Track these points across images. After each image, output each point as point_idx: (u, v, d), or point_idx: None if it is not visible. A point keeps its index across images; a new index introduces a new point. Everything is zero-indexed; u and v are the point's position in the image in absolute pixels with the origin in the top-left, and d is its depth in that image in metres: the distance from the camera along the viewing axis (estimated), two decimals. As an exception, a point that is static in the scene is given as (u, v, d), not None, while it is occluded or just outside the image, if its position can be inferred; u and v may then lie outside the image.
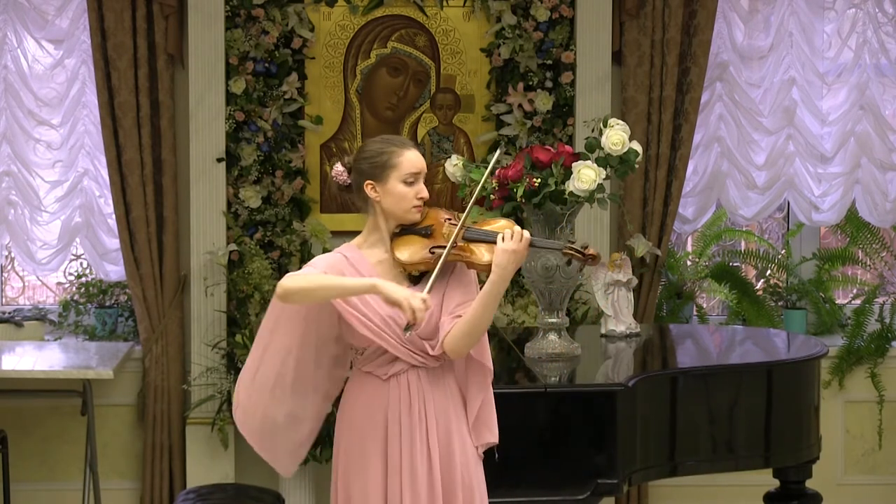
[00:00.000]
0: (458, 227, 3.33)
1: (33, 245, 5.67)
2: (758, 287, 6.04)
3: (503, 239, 3.26)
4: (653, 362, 4.89)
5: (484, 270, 3.33)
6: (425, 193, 3.37)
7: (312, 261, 3.37)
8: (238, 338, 5.31)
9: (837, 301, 6.06)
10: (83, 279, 5.79)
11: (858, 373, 5.86)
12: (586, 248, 3.37)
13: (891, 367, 5.86)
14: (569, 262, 3.79)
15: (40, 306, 5.89)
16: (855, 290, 6.11)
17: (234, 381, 5.32)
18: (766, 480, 4.80)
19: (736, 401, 4.31)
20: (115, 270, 5.69)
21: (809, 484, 4.72)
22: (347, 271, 3.32)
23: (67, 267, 5.84)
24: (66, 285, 5.89)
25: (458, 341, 3.29)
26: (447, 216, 3.41)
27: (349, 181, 3.43)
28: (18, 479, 5.52)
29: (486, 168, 3.66)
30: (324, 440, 5.28)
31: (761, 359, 4.75)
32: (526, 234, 3.27)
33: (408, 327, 3.22)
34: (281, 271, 5.52)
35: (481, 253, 3.32)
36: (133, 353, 5.57)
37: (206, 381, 5.45)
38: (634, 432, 4.03)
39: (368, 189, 3.35)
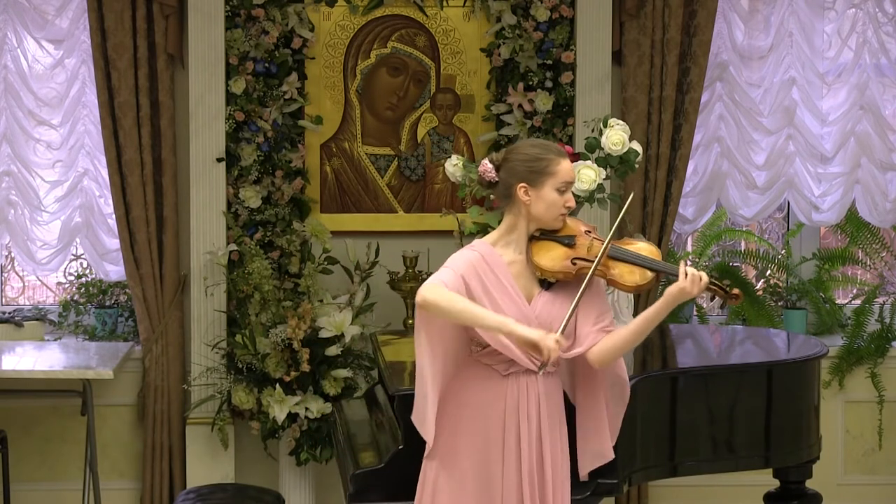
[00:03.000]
0: (605, 244, 3.40)
1: (33, 245, 5.67)
2: (758, 287, 6.04)
3: (689, 280, 3.37)
4: (653, 362, 4.88)
5: (627, 290, 3.48)
6: (573, 203, 3.45)
7: (450, 261, 3.42)
8: (238, 338, 5.31)
9: (837, 301, 6.06)
10: (83, 279, 5.79)
11: (858, 373, 5.86)
12: (731, 286, 3.52)
13: (891, 367, 5.87)
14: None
15: (40, 306, 5.89)
16: (855, 290, 6.11)
17: (234, 381, 5.33)
18: (766, 480, 4.79)
19: (736, 401, 4.32)
20: (115, 270, 5.69)
21: (809, 484, 4.72)
22: (481, 269, 3.38)
23: (67, 267, 5.84)
24: (66, 285, 5.89)
25: (607, 354, 3.44)
26: (586, 228, 3.48)
27: (497, 178, 3.46)
28: (18, 479, 5.52)
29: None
30: (323, 440, 5.28)
31: (761, 359, 4.75)
32: (705, 278, 3.40)
33: (542, 366, 3.33)
34: (281, 271, 5.52)
35: (623, 272, 3.43)
36: (133, 353, 5.57)
37: (206, 381, 5.44)
38: (634, 432, 4.02)
39: (521, 192, 3.41)
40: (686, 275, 3.38)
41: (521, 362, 3.41)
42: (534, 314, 3.41)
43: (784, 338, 5.11)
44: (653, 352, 4.97)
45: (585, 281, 3.38)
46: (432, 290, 3.30)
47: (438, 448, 3.48)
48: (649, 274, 3.44)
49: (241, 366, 5.31)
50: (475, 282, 3.37)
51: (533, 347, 3.30)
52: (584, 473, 3.67)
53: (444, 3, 5.67)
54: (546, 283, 3.47)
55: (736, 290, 3.51)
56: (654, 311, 3.41)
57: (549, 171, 3.40)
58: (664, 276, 3.56)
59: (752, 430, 4.35)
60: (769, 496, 4.82)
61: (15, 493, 5.51)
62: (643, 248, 3.49)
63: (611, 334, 3.45)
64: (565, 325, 3.36)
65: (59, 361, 5.28)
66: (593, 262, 3.40)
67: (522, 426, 3.42)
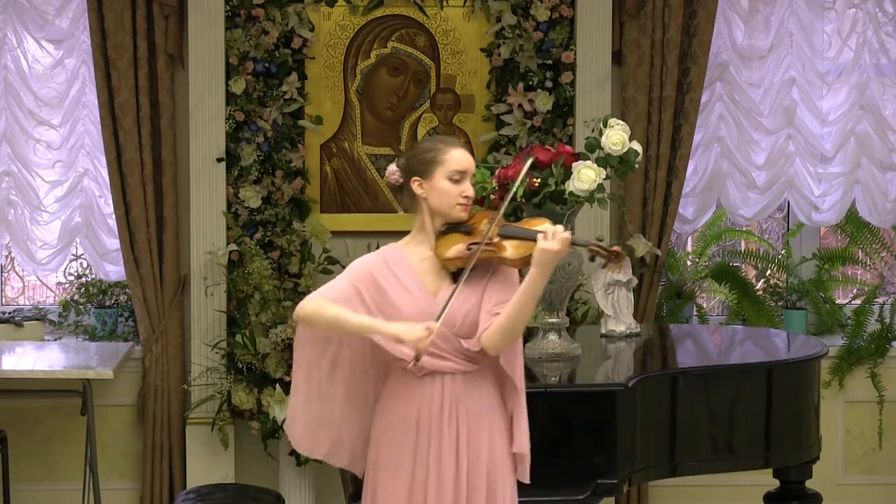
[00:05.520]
0: (492, 224, 3.35)
1: (33, 245, 5.67)
2: (758, 287, 6.04)
3: (544, 237, 3.26)
4: (653, 362, 4.89)
5: (517, 266, 3.36)
6: (471, 192, 3.39)
7: (351, 265, 3.42)
8: (238, 338, 5.31)
9: (837, 301, 6.06)
10: (83, 279, 5.79)
11: (858, 373, 5.86)
12: (612, 246, 3.42)
13: (891, 367, 5.86)
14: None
15: (40, 306, 5.89)
16: (855, 290, 6.11)
17: (234, 381, 5.33)
18: (766, 480, 4.79)
19: (736, 401, 4.31)
20: (115, 270, 5.69)
21: (809, 484, 4.72)
22: (379, 274, 3.36)
23: (67, 267, 5.84)
24: (66, 285, 5.89)
25: (495, 337, 3.30)
26: (492, 217, 3.42)
27: (401, 180, 3.44)
28: (18, 479, 5.52)
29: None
30: (324, 440, 5.28)
31: (761, 359, 4.75)
32: (566, 233, 3.28)
33: (414, 359, 3.26)
34: (281, 271, 5.52)
35: (515, 249, 3.34)
36: (133, 353, 5.57)
37: (206, 381, 5.44)
38: (634, 432, 4.02)
39: (415, 185, 3.38)
40: (545, 236, 3.25)
41: (429, 366, 3.33)
42: (438, 308, 3.32)
43: (784, 338, 5.11)
44: (653, 352, 4.97)
45: (471, 260, 3.30)
46: (304, 305, 3.35)
47: (372, 461, 3.44)
48: (533, 244, 3.31)
49: (241, 366, 5.31)
50: (371, 288, 3.34)
51: (399, 342, 3.24)
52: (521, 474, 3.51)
53: (444, 3, 5.67)
54: (455, 275, 3.38)
55: (615, 248, 3.39)
56: (531, 280, 3.26)
57: (437, 160, 3.35)
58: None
59: (752, 430, 4.35)
60: (769, 496, 4.82)
61: (15, 493, 5.51)
62: (537, 223, 3.37)
63: (496, 316, 3.31)
64: (443, 311, 3.27)
65: (59, 361, 5.28)
66: (486, 244, 3.33)
67: (434, 429, 3.34)
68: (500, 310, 3.32)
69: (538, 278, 3.26)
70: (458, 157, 3.37)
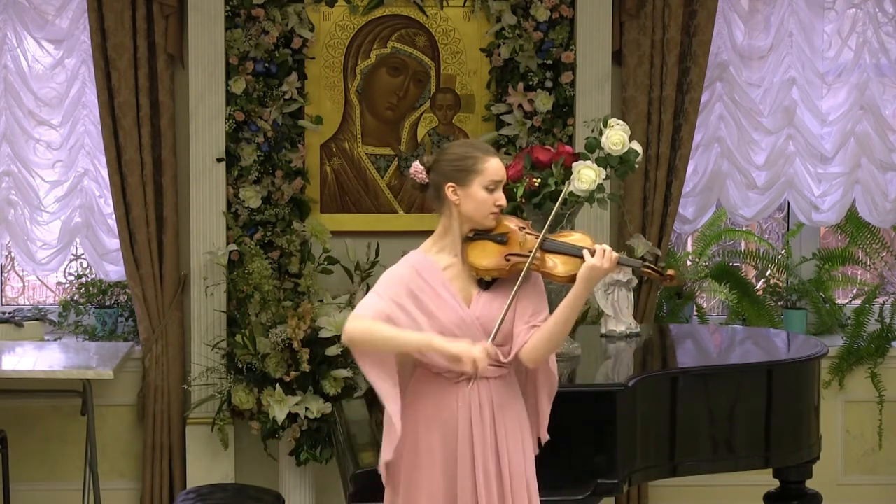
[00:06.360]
0: (539, 238, 3.35)
1: (33, 245, 5.67)
2: (758, 287, 6.04)
3: (592, 255, 3.30)
4: (653, 362, 4.89)
5: (563, 282, 3.38)
6: (503, 201, 3.40)
7: (382, 281, 3.39)
8: (238, 338, 5.30)
9: (837, 301, 6.05)
10: (83, 279, 5.79)
11: (858, 373, 5.86)
12: (664, 268, 3.45)
13: (891, 367, 5.86)
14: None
15: (40, 306, 5.89)
16: (855, 290, 6.11)
17: (234, 381, 5.33)
18: (766, 480, 4.79)
19: (736, 401, 4.32)
20: (115, 270, 5.69)
21: (809, 484, 4.72)
22: (414, 284, 3.35)
23: (67, 267, 5.84)
24: (66, 285, 5.89)
25: (537, 351, 3.35)
26: (520, 224, 3.43)
27: (427, 180, 3.43)
28: (18, 479, 5.52)
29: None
30: (324, 440, 5.28)
31: (761, 359, 4.75)
32: (614, 253, 3.32)
33: (472, 378, 3.29)
34: (281, 271, 5.52)
35: (558, 264, 3.36)
36: (133, 353, 5.57)
37: (206, 381, 5.44)
38: (634, 432, 4.03)
39: (449, 191, 3.37)
40: (592, 253, 3.30)
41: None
42: (474, 316, 3.35)
43: (784, 338, 5.11)
44: (653, 352, 4.97)
45: (521, 276, 3.31)
46: (352, 328, 3.27)
47: (405, 462, 3.43)
48: (579, 260, 3.35)
49: (241, 366, 5.31)
50: (408, 300, 3.32)
51: (457, 361, 3.24)
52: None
53: (444, 3, 5.67)
54: (484, 283, 3.41)
55: (671, 271, 3.43)
56: (573, 297, 3.31)
57: (475, 168, 3.34)
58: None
59: (752, 430, 4.35)
60: (769, 496, 4.82)
61: (15, 493, 5.51)
62: (578, 238, 3.42)
63: (538, 329, 3.36)
64: (497, 331, 3.30)
65: (59, 361, 5.28)
66: (528, 256, 3.33)
67: (476, 433, 3.36)
68: (535, 321, 3.36)
69: (584, 294, 3.32)
70: (495, 167, 3.37)
